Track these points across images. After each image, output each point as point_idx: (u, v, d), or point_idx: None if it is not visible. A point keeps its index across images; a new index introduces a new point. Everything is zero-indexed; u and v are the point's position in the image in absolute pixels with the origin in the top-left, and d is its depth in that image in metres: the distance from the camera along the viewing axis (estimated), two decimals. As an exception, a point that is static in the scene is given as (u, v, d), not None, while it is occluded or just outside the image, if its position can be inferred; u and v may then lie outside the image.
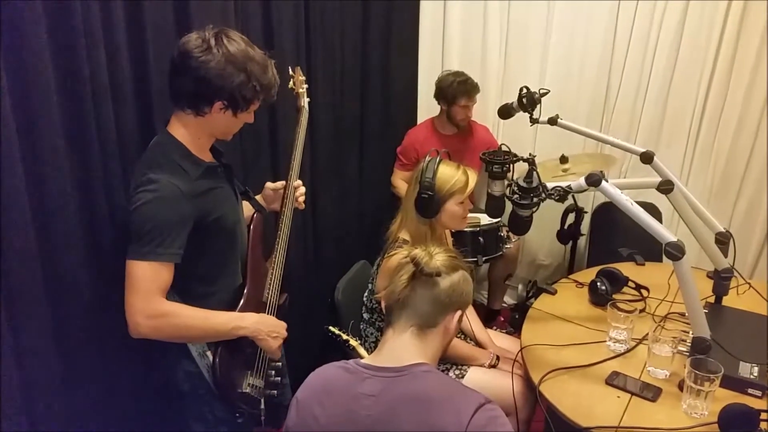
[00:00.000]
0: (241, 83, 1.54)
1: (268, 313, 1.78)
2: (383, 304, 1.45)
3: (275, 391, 1.83)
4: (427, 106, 3.67)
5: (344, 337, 2.00)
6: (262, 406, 1.75)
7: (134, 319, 1.47)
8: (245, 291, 1.74)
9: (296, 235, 2.73)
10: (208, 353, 1.67)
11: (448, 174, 2.08)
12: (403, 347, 1.34)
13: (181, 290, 1.61)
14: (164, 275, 1.51)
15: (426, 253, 1.36)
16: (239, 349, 1.69)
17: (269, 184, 1.99)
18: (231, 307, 1.70)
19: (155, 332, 1.51)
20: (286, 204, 1.90)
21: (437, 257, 1.37)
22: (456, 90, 3.28)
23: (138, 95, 1.80)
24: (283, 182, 1.93)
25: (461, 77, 3.29)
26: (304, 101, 2.05)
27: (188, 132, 1.60)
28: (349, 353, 1.97)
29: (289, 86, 2.03)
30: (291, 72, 2.05)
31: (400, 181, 3.51)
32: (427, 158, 2.07)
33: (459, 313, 1.40)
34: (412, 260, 1.35)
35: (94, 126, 1.61)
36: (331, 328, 2.03)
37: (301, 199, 1.96)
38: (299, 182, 1.96)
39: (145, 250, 1.47)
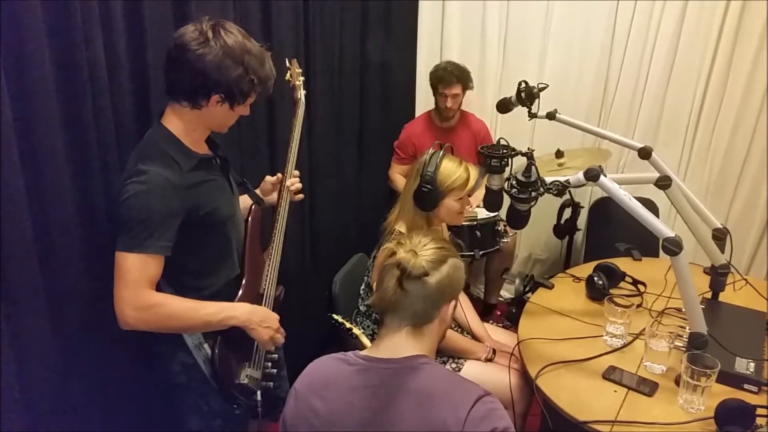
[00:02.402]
0: (239, 76, 1.53)
1: (264, 306, 1.78)
2: (375, 309, 1.42)
3: (272, 383, 1.83)
4: (425, 102, 3.66)
5: (347, 325, 2.00)
6: (259, 398, 1.75)
7: (122, 311, 1.46)
8: (243, 283, 1.74)
9: (295, 229, 2.73)
10: (205, 345, 1.67)
11: (450, 169, 2.07)
12: (400, 342, 1.33)
13: (175, 283, 1.61)
14: (153, 267, 1.50)
15: (411, 253, 1.30)
16: (237, 341, 1.69)
17: (268, 178, 1.98)
18: (228, 299, 1.69)
19: (143, 323, 1.50)
20: (283, 196, 1.89)
21: (423, 254, 1.31)
22: (435, 77, 3.32)
23: (136, 91, 1.79)
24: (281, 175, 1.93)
25: (445, 65, 3.30)
26: (301, 94, 2.04)
27: (183, 124, 1.59)
28: (352, 342, 1.97)
29: (286, 78, 2.03)
30: (288, 64, 2.05)
31: (398, 175, 3.51)
32: (431, 151, 2.06)
33: (453, 302, 1.38)
34: (397, 266, 1.29)
35: (92, 121, 1.60)
36: (334, 316, 2.04)
37: (294, 187, 1.94)
38: (297, 173, 1.95)
39: (134, 242, 1.46)
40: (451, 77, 3.27)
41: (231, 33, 1.53)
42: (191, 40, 1.49)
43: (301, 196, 1.99)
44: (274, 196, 1.96)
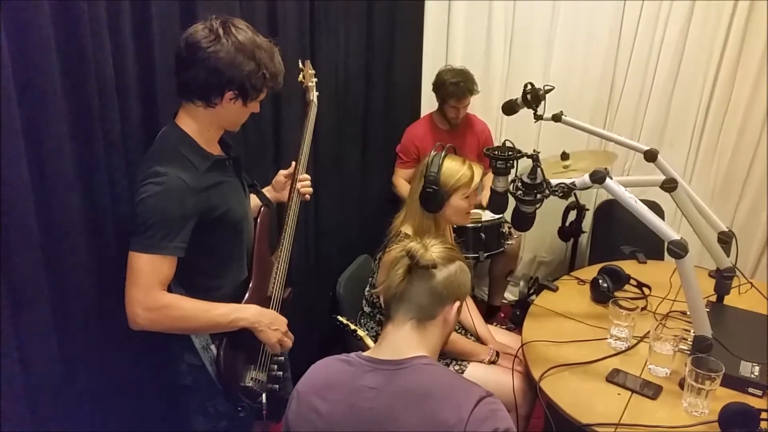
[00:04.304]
0: (251, 71, 1.53)
1: (272, 308, 1.78)
2: (381, 299, 1.44)
3: (277, 386, 1.82)
4: (430, 104, 3.66)
5: (352, 327, 2.01)
6: (264, 400, 1.74)
7: (133, 311, 1.47)
8: (250, 285, 1.74)
9: (299, 230, 2.72)
10: (212, 347, 1.67)
11: (454, 168, 2.08)
12: (403, 340, 1.34)
13: (186, 283, 1.61)
14: (165, 269, 1.50)
15: (421, 245, 1.35)
16: (243, 343, 1.69)
17: (282, 171, 1.99)
18: (236, 301, 1.69)
19: (154, 324, 1.50)
20: (293, 198, 1.90)
21: (433, 249, 1.36)
22: (446, 91, 3.27)
23: (143, 91, 1.79)
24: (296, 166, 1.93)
25: (456, 78, 3.25)
26: (314, 95, 2.04)
27: (197, 124, 1.59)
28: (355, 343, 1.97)
29: (299, 79, 2.02)
30: (301, 65, 2.04)
31: (402, 180, 3.48)
32: (432, 152, 2.07)
33: (458, 304, 1.39)
34: (407, 253, 1.34)
35: (99, 120, 1.60)
36: (339, 317, 2.04)
37: (304, 190, 1.95)
38: (308, 176, 1.96)
39: (148, 243, 1.47)
40: (465, 92, 3.25)
41: (241, 29, 1.54)
42: (202, 38, 1.49)
43: (308, 198, 1.99)
44: (285, 193, 1.96)
